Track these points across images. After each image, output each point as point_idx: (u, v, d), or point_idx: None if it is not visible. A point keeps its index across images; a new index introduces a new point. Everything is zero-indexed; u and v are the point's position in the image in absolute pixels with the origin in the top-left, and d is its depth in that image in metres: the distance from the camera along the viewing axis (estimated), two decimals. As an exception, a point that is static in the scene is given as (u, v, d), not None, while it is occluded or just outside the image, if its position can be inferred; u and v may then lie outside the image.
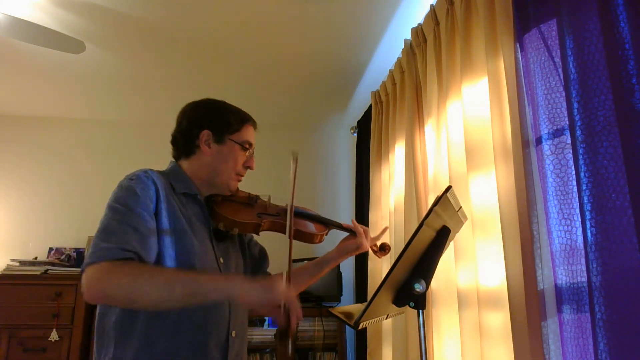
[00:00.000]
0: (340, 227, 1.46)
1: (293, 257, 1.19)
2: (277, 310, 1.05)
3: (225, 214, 1.27)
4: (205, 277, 1.12)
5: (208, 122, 1.32)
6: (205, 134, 1.31)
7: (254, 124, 1.39)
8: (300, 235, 1.35)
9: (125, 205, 1.12)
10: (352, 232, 1.44)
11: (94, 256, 1.03)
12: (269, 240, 1.49)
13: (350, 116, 3.73)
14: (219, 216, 1.27)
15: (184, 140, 1.34)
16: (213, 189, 1.35)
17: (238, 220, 1.27)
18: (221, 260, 1.28)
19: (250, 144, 1.36)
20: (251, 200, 1.37)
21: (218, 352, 1.19)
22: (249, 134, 1.36)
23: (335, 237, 1.51)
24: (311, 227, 1.38)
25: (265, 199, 1.40)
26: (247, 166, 1.36)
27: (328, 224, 1.45)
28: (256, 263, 1.50)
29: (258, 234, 1.38)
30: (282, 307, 1.05)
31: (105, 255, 1.02)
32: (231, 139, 1.32)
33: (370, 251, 1.49)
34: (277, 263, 1.50)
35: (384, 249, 1.51)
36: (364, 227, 1.46)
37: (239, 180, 1.38)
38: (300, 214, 1.40)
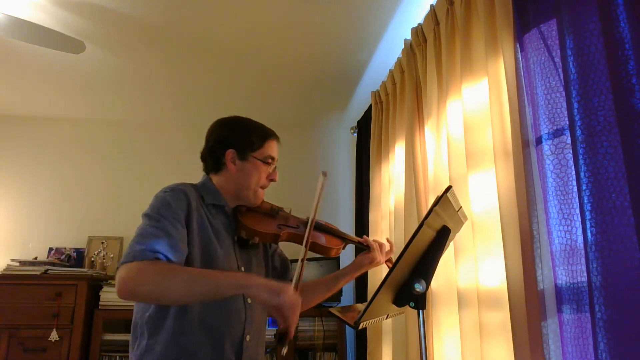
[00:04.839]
0: (355, 242, 1.53)
1: (308, 256, 1.29)
2: (280, 313, 1.14)
3: (247, 223, 1.36)
4: (223, 274, 1.23)
5: (232, 142, 1.42)
6: (230, 153, 1.41)
7: (276, 138, 1.48)
8: (316, 248, 1.42)
9: (159, 213, 1.25)
10: (367, 247, 1.52)
11: (129, 257, 1.15)
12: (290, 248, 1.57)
13: (350, 116, 3.73)
14: (242, 225, 1.37)
15: (212, 158, 1.45)
16: (239, 201, 1.45)
17: (258, 230, 1.36)
18: (242, 268, 1.39)
19: (273, 158, 1.45)
20: (273, 212, 1.46)
21: (232, 353, 1.30)
22: (270, 149, 1.45)
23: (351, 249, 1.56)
24: (328, 240, 1.45)
25: (288, 211, 1.49)
26: (271, 179, 1.45)
27: (345, 239, 1.51)
28: (278, 274, 1.58)
29: (277, 244, 1.49)
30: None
31: (137, 256, 1.15)
32: (254, 156, 1.42)
33: (385, 266, 1.56)
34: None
35: None
36: (379, 241, 1.53)
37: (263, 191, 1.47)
38: (320, 228, 1.47)
